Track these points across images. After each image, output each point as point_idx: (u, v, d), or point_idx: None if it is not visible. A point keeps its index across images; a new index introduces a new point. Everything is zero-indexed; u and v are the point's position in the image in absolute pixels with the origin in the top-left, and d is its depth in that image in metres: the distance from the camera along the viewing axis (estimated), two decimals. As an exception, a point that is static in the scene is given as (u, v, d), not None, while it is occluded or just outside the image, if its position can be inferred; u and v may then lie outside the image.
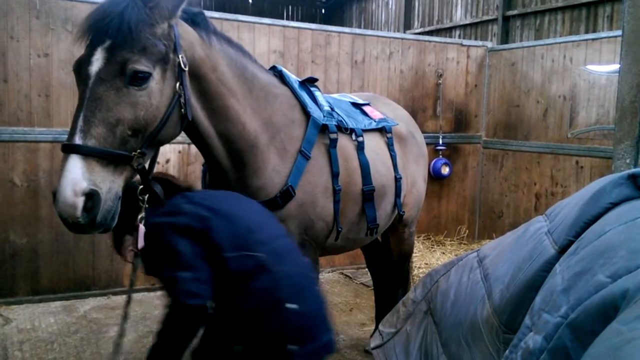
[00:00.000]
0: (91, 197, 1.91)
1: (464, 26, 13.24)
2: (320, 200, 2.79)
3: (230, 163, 2.59)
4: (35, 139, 4.78)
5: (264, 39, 5.68)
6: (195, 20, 2.41)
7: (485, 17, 12.51)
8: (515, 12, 11.77)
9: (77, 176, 1.89)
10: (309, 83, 3.05)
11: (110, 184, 1.99)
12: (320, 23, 16.43)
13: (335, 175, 2.84)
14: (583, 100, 6.03)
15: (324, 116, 2.89)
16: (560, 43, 6.36)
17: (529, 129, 6.60)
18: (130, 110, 2.03)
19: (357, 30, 6.51)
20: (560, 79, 6.24)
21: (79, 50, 2.14)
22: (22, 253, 4.83)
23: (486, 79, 7.07)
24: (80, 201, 1.88)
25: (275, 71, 2.95)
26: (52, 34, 4.77)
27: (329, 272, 6.10)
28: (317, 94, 3.02)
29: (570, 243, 1.25)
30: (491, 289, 1.32)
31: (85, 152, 1.92)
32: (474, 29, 12.96)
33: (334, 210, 2.86)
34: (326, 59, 6.05)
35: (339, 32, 6.22)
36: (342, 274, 6.16)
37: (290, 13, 19.75)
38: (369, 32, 6.86)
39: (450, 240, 6.98)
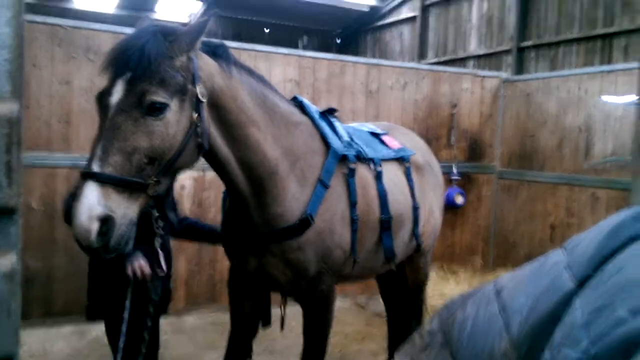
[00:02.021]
0: (106, 222, 1.98)
1: (478, 57, 13.32)
2: (338, 229, 2.80)
3: (250, 190, 2.61)
4: (54, 164, 4.86)
5: (280, 68, 5.76)
6: (216, 52, 2.48)
7: (500, 48, 12.59)
8: (529, 43, 11.83)
9: (93, 202, 1.96)
10: (328, 113, 3.09)
11: (125, 210, 2.04)
12: (335, 52, 16.65)
13: (353, 204, 2.86)
14: (599, 131, 6.01)
15: (344, 146, 2.92)
16: (575, 75, 6.38)
17: (544, 160, 6.57)
18: (146, 140, 2.09)
19: (372, 60, 6.59)
20: (575, 110, 6.24)
21: (100, 79, 2.21)
22: (37, 276, 4.86)
23: (501, 109, 7.08)
24: (95, 226, 1.95)
25: (296, 101, 3.00)
26: (73, 62, 4.89)
27: (341, 301, 6.05)
28: (337, 124, 3.06)
29: (589, 277, 1.24)
30: (509, 321, 1.30)
31: (102, 179, 1.99)
32: (488, 59, 13.03)
33: (351, 239, 2.87)
34: (341, 88, 6.12)
35: (354, 62, 6.30)
36: (355, 302, 6.11)
37: (305, 43, 20.03)
38: (384, 62, 6.94)
39: (465, 270, 6.89)
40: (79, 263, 4.90)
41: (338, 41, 20.38)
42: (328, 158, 2.83)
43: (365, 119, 6.12)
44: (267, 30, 19.29)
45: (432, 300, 5.65)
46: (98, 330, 4.90)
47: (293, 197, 2.68)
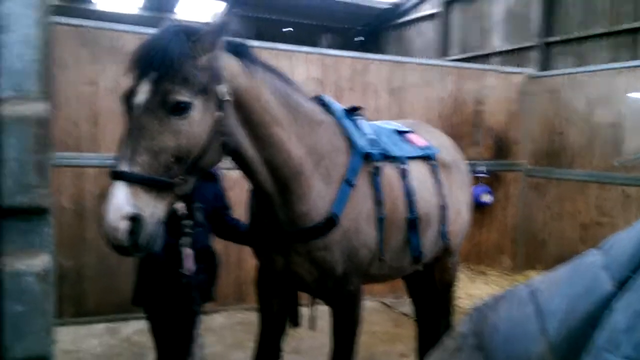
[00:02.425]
0: (135, 220, 2.00)
1: (503, 53, 13.15)
2: (364, 228, 2.78)
3: (275, 189, 2.61)
4: (83, 164, 4.93)
5: (302, 67, 5.75)
6: (239, 51, 2.48)
7: (524, 44, 12.41)
8: (555, 38, 11.63)
9: (122, 201, 1.98)
10: (353, 112, 3.06)
11: (153, 209, 2.06)
12: (356, 50, 16.62)
13: (379, 203, 2.83)
14: (629, 128, 5.87)
15: (368, 144, 2.89)
16: (603, 70, 6.24)
17: (572, 157, 6.44)
18: (172, 139, 2.11)
19: (396, 58, 6.54)
20: (604, 106, 6.10)
21: (125, 79, 2.23)
22: (68, 275, 4.94)
23: (527, 106, 6.97)
24: (123, 225, 1.97)
25: (320, 100, 2.98)
26: (99, 64, 4.95)
27: (368, 301, 6.01)
28: (362, 122, 3.03)
29: (629, 278, 1.20)
30: (545, 324, 1.26)
31: (131, 179, 2.01)
32: (513, 55, 12.85)
33: (377, 238, 2.84)
34: (364, 86, 6.08)
35: (377, 60, 6.26)
36: (382, 302, 6.07)
37: (327, 41, 20.03)
38: (407, 59, 6.89)
39: (492, 270, 6.81)
40: (109, 262, 4.98)
41: (359, 39, 20.32)
42: (353, 156, 2.81)
43: (389, 117, 6.06)
44: (288, 29, 19.32)
45: (459, 301, 5.60)
46: (129, 328, 4.97)
47: (318, 196, 2.67)
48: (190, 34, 2.23)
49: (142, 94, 2.12)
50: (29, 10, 0.95)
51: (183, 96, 2.13)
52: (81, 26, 4.88)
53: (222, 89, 2.27)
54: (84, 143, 4.96)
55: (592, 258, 1.42)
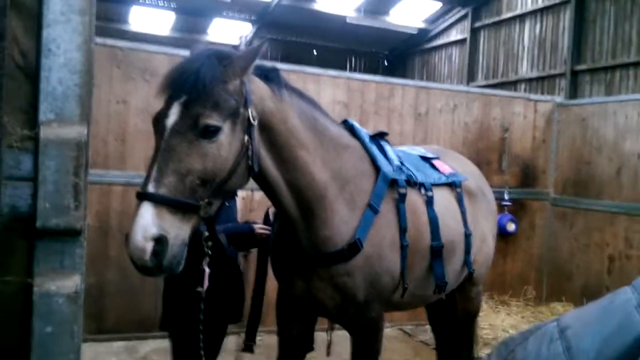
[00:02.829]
0: (159, 242, 2.00)
1: (530, 80, 13.06)
2: (388, 255, 2.75)
3: (298, 212, 2.60)
4: (109, 182, 5.00)
5: (329, 90, 5.79)
6: (268, 76, 2.51)
7: (553, 71, 12.32)
8: (584, 66, 11.53)
9: (147, 222, 1.99)
10: (379, 137, 3.06)
11: (177, 230, 2.07)
12: (382, 74, 16.69)
13: (403, 230, 2.80)
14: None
15: (394, 170, 2.88)
16: (634, 100, 6.15)
17: (601, 187, 6.32)
18: (199, 162, 2.12)
19: (421, 83, 6.54)
20: (634, 136, 6.00)
21: (155, 99, 2.26)
22: (90, 291, 4.97)
23: (555, 134, 6.88)
24: (149, 246, 1.98)
25: (347, 124, 2.99)
26: (130, 83, 5.05)
27: (387, 328, 5.93)
28: (387, 147, 3.02)
29: None
30: (575, 363, 1.22)
31: (157, 200, 2.03)
32: (540, 83, 12.77)
33: (401, 266, 2.81)
34: (389, 110, 6.09)
35: (403, 85, 6.26)
36: (401, 330, 5.98)
37: (353, 64, 20.17)
38: (433, 84, 6.89)
39: (516, 301, 6.66)
40: (131, 280, 5.01)
41: (385, 63, 20.41)
42: (378, 182, 2.79)
43: (413, 142, 6.06)
44: (315, 52, 19.51)
45: (482, 331, 5.48)
46: (147, 347, 4.97)
47: (342, 221, 2.65)
48: (222, 58, 2.26)
49: (173, 116, 2.15)
50: (74, 35, 0.97)
51: (213, 120, 2.15)
52: (115, 46, 5.00)
53: (251, 113, 2.30)
54: (111, 161, 5.03)
55: (625, 296, 1.38)
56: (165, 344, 4.97)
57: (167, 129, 2.14)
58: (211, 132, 2.14)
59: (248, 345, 3.05)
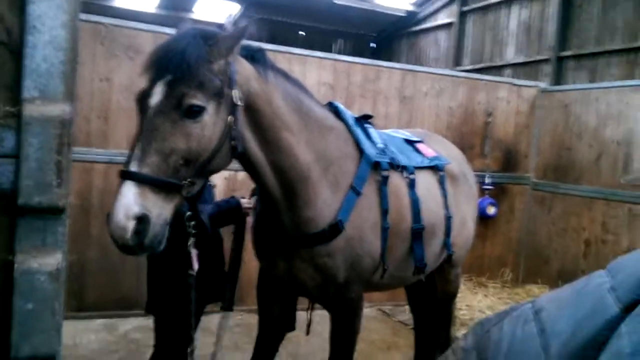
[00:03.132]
0: (141, 221, 2.01)
1: (515, 65, 13.12)
2: (369, 237, 2.78)
3: (281, 192, 2.62)
4: (92, 159, 4.96)
5: (315, 72, 5.77)
6: (254, 57, 2.50)
7: (538, 57, 12.38)
8: (569, 53, 11.59)
9: (129, 201, 2.00)
10: (364, 119, 3.07)
11: (160, 210, 2.07)
12: (369, 57, 16.61)
13: (384, 212, 2.84)
14: (639, 146, 5.85)
15: (377, 153, 2.90)
16: (616, 87, 6.22)
17: (580, 173, 6.42)
18: (183, 141, 2.12)
19: (408, 66, 6.54)
20: (615, 123, 6.08)
21: (139, 78, 2.24)
22: (71, 269, 4.96)
23: (537, 120, 6.95)
24: (131, 224, 1.98)
25: (332, 107, 2.99)
26: (114, 60, 4.98)
27: (366, 308, 6.00)
28: (371, 130, 3.04)
29: (636, 302, 1.20)
30: (548, 344, 1.26)
31: (139, 179, 2.03)
32: (525, 68, 12.82)
33: (381, 248, 2.85)
34: (375, 93, 6.09)
35: (389, 67, 6.27)
36: (380, 310, 6.07)
37: (340, 46, 20.04)
38: (419, 68, 6.89)
39: (493, 283, 6.79)
40: (112, 258, 5.00)
41: (372, 45, 20.32)
42: (361, 164, 2.82)
43: (398, 125, 6.08)
44: (301, 33, 19.34)
45: (459, 312, 5.59)
46: (127, 325, 4.98)
47: (324, 203, 2.68)
48: (208, 38, 2.25)
49: (157, 95, 2.14)
50: (59, 12, 0.96)
51: (198, 100, 2.15)
52: (99, 23, 4.92)
53: (235, 94, 2.29)
54: (93, 139, 4.99)
55: (599, 279, 1.42)
56: (145, 322, 5.00)
57: (151, 108, 2.13)
58: (195, 112, 2.14)
59: (228, 305, 3.10)
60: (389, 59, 16.76)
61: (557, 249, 6.62)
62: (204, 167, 2.22)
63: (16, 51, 0.96)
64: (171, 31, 5.11)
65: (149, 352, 4.34)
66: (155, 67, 2.19)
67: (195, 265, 2.66)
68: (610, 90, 6.22)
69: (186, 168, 2.15)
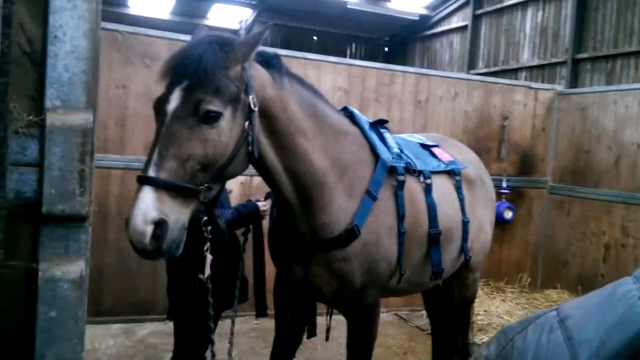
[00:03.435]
0: (159, 225, 2.01)
1: (531, 68, 13.02)
2: (385, 241, 2.77)
3: (297, 198, 2.62)
4: (108, 166, 5.00)
5: (329, 77, 5.77)
6: (269, 63, 2.50)
7: (554, 60, 12.28)
8: (585, 55, 11.48)
9: (148, 206, 2.00)
10: (379, 124, 3.06)
11: (177, 215, 2.08)
12: (383, 61, 16.59)
13: (401, 217, 2.82)
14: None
15: (393, 158, 2.89)
16: (635, 89, 6.14)
17: (599, 176, 6.34)
18: (200, 147, 2.13)
19: (422, 70, 6.51)
20: (634, 125, 6.00)
21: (155, 84, 2.26)
22: (88, 274, 5.00)
23: (554, 123, 6.88)
24: (149, 229, 1.99)
25: (347, 112, 2.99)
26: (130, 67, 5.02)
27: (383, 313, 5.97)
28: (387, 135, 3.03)
29: None
30: (576, 353, 1.23)
31: (157, 185, 2.04)
32: (541, 71, 12.72)
33: (398, 252, 2.83)
34: (390, 97, 6.08)
35: (404, 72, 6.25)
36: (397, 315, 6.03)
37: (353, 50, 20.07)
38: (434, 72, 6.86)
39: (511, 288, 6.72)
40: (129, 263, 5.04)
41: (386, 49, 20.30)
42: (377, 169, 2.81)
43: (413, 129, 6.06)
44: (315, 38, 19.39)
45: (476, 317, 5.53)
46: (144, 329, 5.01)
47: (340, 208, 2.67)
48: (224, 45, 2.26)
49: (174, 101, 2.15)
50: (81, 22, 0.97)
51: (214, 106, 2.15)
52: (115, 30, 4.97)
53: (252, 99, 2.30)
54: (110, 145, 5.03)
55: (627, 287, 1.39)
56: (163, 326, 5.04)
57: (168, 114, 2.14)
58: (212, 118, 2.15)
59: (261, 311, 3.13)
60: (402, 63, 16.75)
61: (576, 253, 6.54)
62: (220, 172, 2.22)
63: (38, 61, 0.97)
64: (186, 38, 5.16)
65: (167, 357, 4.38)
66: (172, 73, 2.20)
67: (207, 271, 2.66)
68: (629, 92, 6.14)
69: (203, 173, 2.16)
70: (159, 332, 4.97)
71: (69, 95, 0.99)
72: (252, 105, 2.30)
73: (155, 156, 2.08)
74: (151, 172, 2.05)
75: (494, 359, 1.52)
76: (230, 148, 2.23)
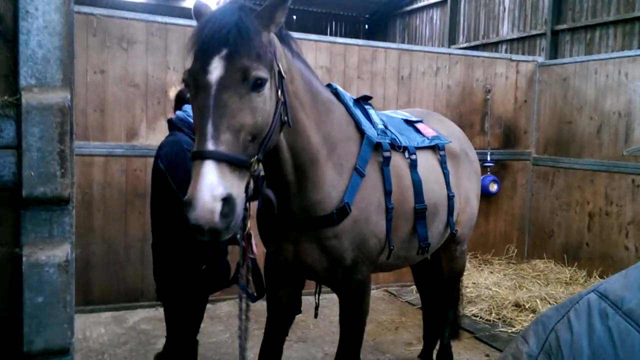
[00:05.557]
0: (227, 201, 1.92)
1: (511, 40, 13.02)
2: (374, 217, 2.77)
3: (294, 175, 2.58)
4: (90, 153, 4.92)
5: (310, 55, 5.70)
6: (280, 34, 2.43)
7: (533, 32, 12.27)
8: (564, 26, 11.50)
9: (213, 182, 1.90)
10: (363, 101, 3.04)
11: (238, 190, 1.99)
12: (363, 38, 16.46)
13: (388, 193, 2.82)
14: (639, 116, 5.81)
15: (378, 134, 2.87)
16: (615, 58, 6.17)
17: (581, 146, 6.40)
18: (251, 116, 2.06)
19: (404, 46, 6.47)
20: (614, 94, 6.04)
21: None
22: (75, 264, 4.94)
23: (536, 95, 6.91)
24: (218, 206, 1.89)
25: (331, 89, 2.96)
26: (107, 52, 4.92)
27: (373, 290, 6.01)
28: (371, 111, 3.01)
29: None
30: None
31: (218, 158, 1.94)
32: (521, 43, 12.73)
33: (386, 228, 2.83)
34: (372, 74, 6.04)
35: (386, 48, 6.21)
36: (387, 291, 6.08)
37: (333, 28, 19.89)
38: (416, 47, 6.83)
39: (499, 259, 6.80)
40: (116, 251, 4.99)
41: (366, 27, 20.16)
42: (363, 146, 2.79)
43: (397, 105, 6.04)
44: (294, 17, 19.17)
45: (465, 289, 5.59)
46: (135, 316, 4.99)
47: (332, 185, 2.65)
48: (252, 10, 2.18)
49: (217, 70, 2.04)
50: (52, -4, 0.92)
51: (262, 72, 2.08)
52: (90, 14, 4.85)
53: (281, 67, 2.24)
54: (91, 132, 4.94)
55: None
56: (154, 313, 5.02)
57: (213, 84, 2.02)
58: (259, 85, 2.07)
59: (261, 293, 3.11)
60: (383, 40, 16.64)
61: (561, 223, 6.62)
62: (265, 143, 2.16)
63: (10, 38, 0.93)
64: (164, 20, 5.05)
65: (159, 342, 4.37)
66: (209, 42, 2.07)
67: (255, 250, 2.62)
68: (609, 61, 6.17)
69: (252, 144, 2.09)
70: (150, 319, 4.96)
71: (44, 73, 0.95)
72: (283, 73, 2.25)
73: (210, 128, 1.97)
74: (210, 146, 1.94)
75: (537, 354, 1.36)
76: (272, 116, 2.17)
